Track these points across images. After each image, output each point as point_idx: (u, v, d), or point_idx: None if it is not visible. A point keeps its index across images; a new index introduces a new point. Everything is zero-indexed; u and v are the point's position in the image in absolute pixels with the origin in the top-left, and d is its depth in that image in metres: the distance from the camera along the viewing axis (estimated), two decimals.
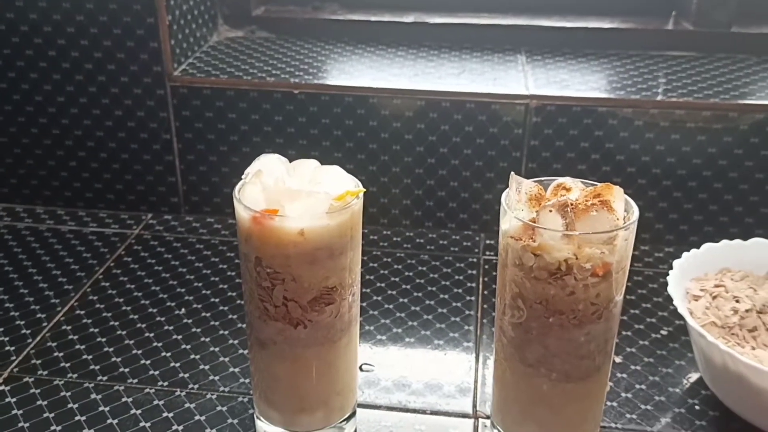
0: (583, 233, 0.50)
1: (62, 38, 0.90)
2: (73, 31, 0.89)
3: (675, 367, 0.72)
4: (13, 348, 0.72)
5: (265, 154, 0.56)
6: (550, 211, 0.51)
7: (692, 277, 0.71)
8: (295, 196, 0.52)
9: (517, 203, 0.54)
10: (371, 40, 1.06)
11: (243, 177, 0.56)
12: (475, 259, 0.89)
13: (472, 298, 0.82)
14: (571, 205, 0.51)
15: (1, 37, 0.90)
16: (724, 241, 0.73)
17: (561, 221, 0.51)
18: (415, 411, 0.66)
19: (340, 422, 0.61)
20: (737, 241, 0.73)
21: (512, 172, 0.55)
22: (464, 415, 0.65)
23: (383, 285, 0.84)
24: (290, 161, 0.57)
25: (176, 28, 0.92)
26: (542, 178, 0.56)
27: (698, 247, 0.73)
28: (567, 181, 0.56)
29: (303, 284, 0.53)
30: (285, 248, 0.52)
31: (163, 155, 0.95)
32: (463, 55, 1.01)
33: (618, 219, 0.52)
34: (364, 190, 0.55)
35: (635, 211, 0.53)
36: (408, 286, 0.84)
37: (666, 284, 0.68)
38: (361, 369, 0.71)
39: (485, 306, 0.80)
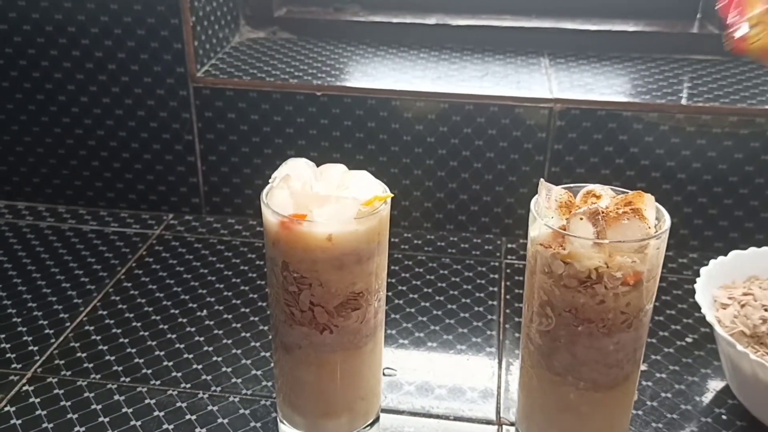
0: (615, 242, 0.50)
1: (86, 38, 0.90)
2: (97, 31, 0.89)
3: (701, 375, 0.71)
4: (36, 348, 0.73)
5: (292, 159, 0.56)
6: (581, 218, 0.51)
7: (720, 284, 0.70)
8: (323, 201, 0.52)
9: (547, 210, 0.53)
10: (393, 41, 1.05)
11: (270, 181, 0.55)
12: (496, 263, 0.88)
13: (495, 303, 0.81)
14: (603, 212, 0.51)
15: (26, 37, 0.91)
16: (752, 249, 0.73)
17: (592, 229, 0.50)
18: (438, 417, 0.66)
19: (364, 427, 0.61)
20: (765, 249, 0.73)
21: (542, 179, 0.54)
22: (488, 422, 0.65)
23: (404, 288, 0.83)
24: (313, 163, 0.56)
25: (200, 29, 0.92)
26: (571, 185, 0.56)
27: (724, 254, 0.72)
28: (596, 188, 0.55)
29: (330, 289, 0.53)
30: (313, 253, 0.52)
31: (185, 156, 0.95)
32: (486, 58, 1.00)
33: (649, 227, 0.51)
34: (392, 195, 0.55)
35: (667, 220, 0.52)
36: (430, 290, 0.83)
37: (691, 291, 0.67)
38: (383, 374, 0.70)
39: (507, 311, 0.80)
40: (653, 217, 0.52)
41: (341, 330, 0.55)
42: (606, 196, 0.55)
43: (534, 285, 0.54)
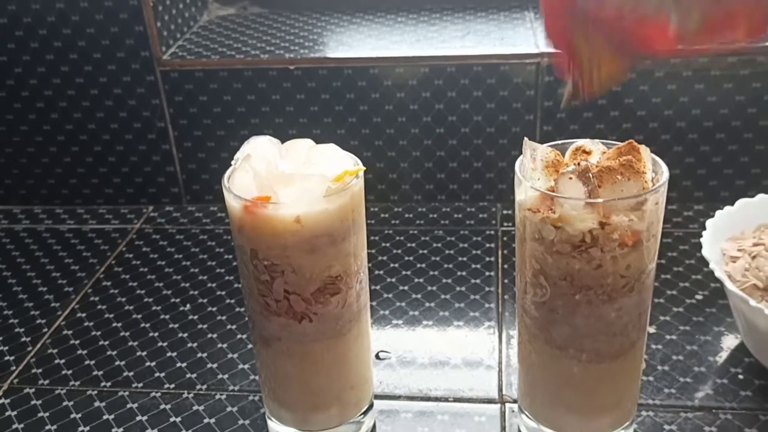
0: (609, 200, 0.45)
1: (43, 28, 0.85)
2: (53, 20, 0.85)
3: (714, 333, 0.67)
4: (12, 358, 0.69)
5: (254, 137, 0.52)
6: (570, 178, 0.46)
7: (728, 236, 0.66)
8: (288, 180, 0.48)
9: (533, 172, 0.49)
10: (369, 7, 1.00)
11: (233, 163, 0.51)
12: (492, 232, 0.84)
13: (492, 274, 0.77)
14: (593, 169, 0.46)
15: None
16: (761, 195, 0.68)
17: (583, 189, 0.46)
18: (437, 399, 0.62)
19: (357, 417, 0.57)
20: None
21: (525, 138, 0.50)
22: (490, 401, 0.61)
23: (397, 265, 0.79)
24: (277, 140, 0.52)
25: (162, 9, 0.87)
26: (558, 142, 0.51)
27: (731, 204, 0.68)
28: (586, 143, 0.51)
29: (304, 275, 0.49)
30: (281, 238, 0.48)
31: (159, 144, 0.91)
32: (467, 16, 0.95)
33: (646, 182, 0.46)
34: (364, 168, 0.50)
35: (664, 172, 0.48)
36: (423, 265, 0.79)
37: (698, 245, 0.63)
38: (378, 357, 0.67)
39: (506, 281, 0.75)
40: (649, 171, 0.48)
41: (321, 317, 0.51)
42: (597, 151, 0.50)
43: (525, 254, 0.50)
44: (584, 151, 0.50)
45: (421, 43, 0.87)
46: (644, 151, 0.48)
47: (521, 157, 0.50)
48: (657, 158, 0.49)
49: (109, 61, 0.86)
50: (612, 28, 0.43)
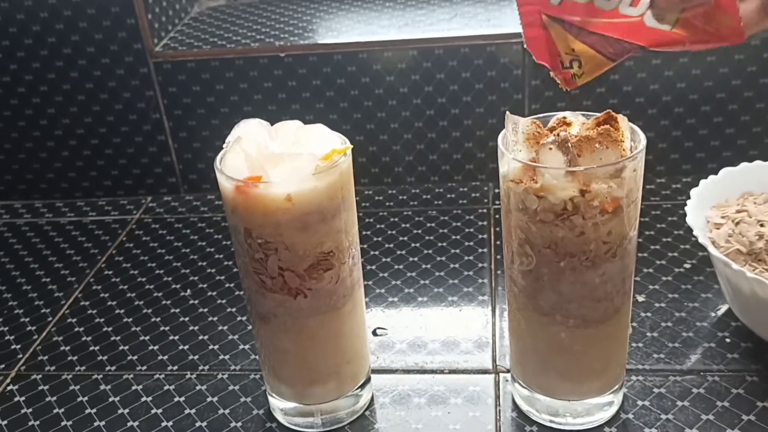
0: (588, 168, 0.47)
1: (36, 24, 0.86)
2: (46, 16, 0.86)
3: (702, 300, 0.68)
4: (19, 346, 0.71)
5: (244, 120, 0.53)
6: (550, 148, 0.48)
7: (712, 204, 0.67)
8: (278, 160, 0.49)
9: (515, 144, 0.50)
10: None
11: (224, 146, 0.53)
12: (484, 210, 0.86)
13: (485, 250, 0.78)
14: (573, 139, 0.48)
15: None
16: (744, 164, 0.69)
17: (563, 158, 0.47)
18: (432, 372, 0.63)
19: (355, 390, 0.59)
20: (757, 163, 0.69)
21: (507, 112, 0.51)
22: (484, 371, 0.63)
23: (392, 246, 0.81)
24: (267, 122, 0.53)
25: (153, 1, 0.88)
26: (540, 115, 0.53)
27: (717, 174, 0.69)
28: (567, 115, 0.52)
29: (297, 252, 0.51)
30: (273, 216, 0.49)
31: (155, 135, 0.92)
32: None
33: (624, 150, 0.48)
34: (351, 146, 0.52)
35: (642, 140, 0.49)
36: (418, 244, 0.81)
37: (685, 215, 0.64)
38: (374, 334, 0.68)
39: (498, 257, 0.77)
40: (628, 139, 0.49)
41: (315, 293, 0.53)
42: (577, 122, 0.52)
43: (510, 224, 0.51)
44: (565, 123, 0.51)
45: (409, 26, 0.88)
46: (622, 120, 0.49)
47: (503, 130, 0.51)
48: (635, 127, 0.50)
49: (103, 54, 0.88)
50: (588, 27, 0.44)
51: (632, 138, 0.50)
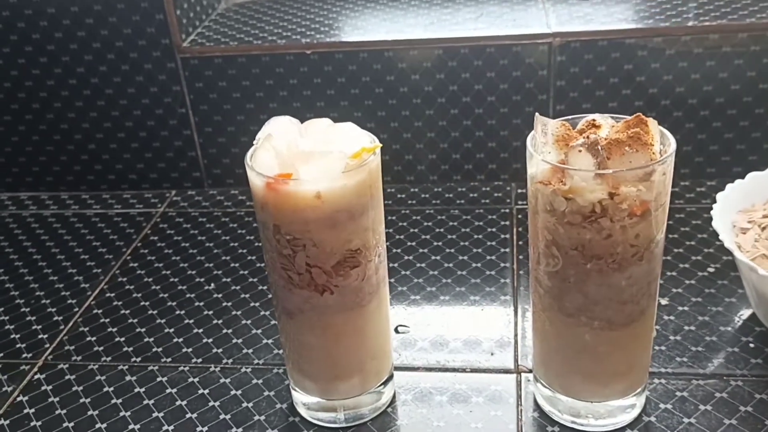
0: (617, 171, 0.47)
1: (67, 19, 0.87)
2: (77, 10, 0.87)
3: (725, 305, 0.68)
4: (46, 336, 0.72)
5: (275, 117, 0.54)
6: (580, 150, 0.48)
7: (738, 209, 0.67)
8: (308, 157, 0.50)
9: (544, 146, 0.50)
10: None
11: (254, 143, 0.53)
12: (507, 210, 0.86)
13: (507, 250, 0.79)
14: (602, 142, 0.48)
15: (7, 23, 0.89)
16: None
17: (592, 161, 0.48)
18: (454, 370, 0.64)
19: (378, 387, 0.59)
20: None
21: (537, 113, 0.51)
22: (506, 371, 0.63)
23: (414, 244, 0.81)
24: (297, 120, 0.54)
25: None
26: (569, 117, 0.53)
27: (743, 178, 0.69)
28: (596, 117, 0.52)
29: (325, 249, 0.51)
30: (302, 213, 0.50)
31: (180, 130, 0.93)
32: None
33: (654, 153, 0.48)
34: (380, 145, 0.52)
35: (672, 143, 0.49)
36: (440, 243, 0.81)
37: (710, 219, 0.64)
38: (396, 331, 0.69)
39: (521, 257, 0.77)
40: (657, 142, 0.49)
41: (342, 290, 0.53)
42: (606, 125, 0.52)
43: (537, 225, 0.51)
44: (594, 125, 0.51)
45: (434, 25, 0.89)
46: (652, 123, 0.49)
47: (532, 131, 0.51)
48: (665, 130, 0.50)
49: (131, 49, 0.89)
50: None
51: (662, 141, 0.50)
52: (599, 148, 0.47)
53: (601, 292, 0.51)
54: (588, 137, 0.48)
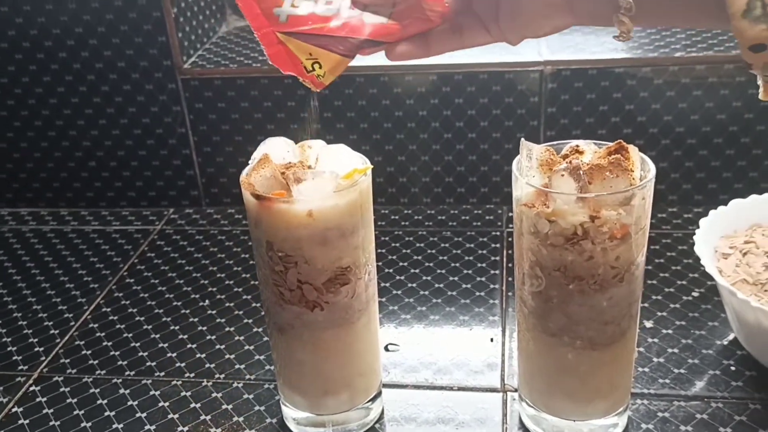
0: (599, 195, 0.49)
1: (71, 39, 0.90)
2: (81, 31, 0.89)
3: (708, 328, 0.70)
4: (42, 349, 0.73)
5: (270, 138, 0.56)
6: (563, 175, 0.50)
7: (721, 235, 0.69)
8: (301, 177, 0.52)
9: (529, 169, 0.52)
10: None
11: (249, 162, 0.55)
12: (498, 233, 0.88)
13: (497, 272, 0.80)
14: (584, 167, 0.49)
15: (12, 43, 0.91)
16: (753, 196, 0.71)
17: (574, 185, 0.49)
18: (441, 388, 0.65)
19: (366, 403, 0.61)
20: (766, 195, 0.71)
21: (522, 138, 0.53)
22: (492, 390, 0.65)
23: (406, 264, 0.83)
24: (291, 141, 0.56)
25: (183, 20, 0.91)
26: (554, 143, 0.55)
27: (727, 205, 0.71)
28: (580, 143, 0.54)
29: (316, 266, 0.53)
30: (295, 230, 0.52)
31: (179, 149, 0.95)
32: None
33: (634, 179, 0.50)
34: (372, 166, 0.54)
35: (651, 169, 0.51)
36: (431, 264, 0.83)
37: (694, 244, 0.66)
38: (386, 349, 0.70)
39: (510, 279, 0.79)
40: (638, 168, 0.51)
41: (332, 306, 0.55)
42: (589, 151, 0.54)
43: (522, 246, 0.53)
44: (577, 151, 0.53)
45: None
46: (632, 150, 0.51)
47: (518, 156, 0.53)
48: (645, 157, 0.52)
49: (133, 69, 0.91)
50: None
51: (642, 168, 0.52)
52: (581, 172, 0.49)
53: (583, 313, 0.52)
54: (570, 162, 0.50)
